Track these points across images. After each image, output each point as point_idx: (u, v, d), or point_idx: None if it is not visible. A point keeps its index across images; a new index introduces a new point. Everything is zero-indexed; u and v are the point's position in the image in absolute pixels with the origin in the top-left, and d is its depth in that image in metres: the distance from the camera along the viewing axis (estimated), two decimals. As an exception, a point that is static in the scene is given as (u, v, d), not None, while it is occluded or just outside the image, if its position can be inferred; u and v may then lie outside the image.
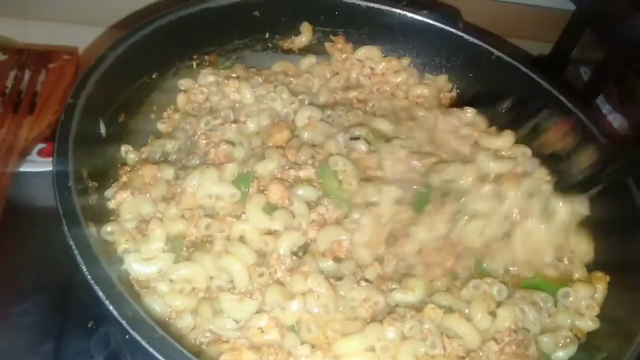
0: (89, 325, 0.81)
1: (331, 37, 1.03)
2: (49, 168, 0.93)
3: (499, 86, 0.98)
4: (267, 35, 1.00)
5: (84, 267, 0.52)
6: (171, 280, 0.68)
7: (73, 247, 0.53)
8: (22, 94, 1.05)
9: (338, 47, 1.03)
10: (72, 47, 1.15)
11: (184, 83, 0.91)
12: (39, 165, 0.98)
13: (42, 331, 0.82)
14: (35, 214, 0.95)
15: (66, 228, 0.55)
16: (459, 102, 1.02)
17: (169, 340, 0.49)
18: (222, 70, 0.93)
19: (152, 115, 0.88)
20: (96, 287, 0.51)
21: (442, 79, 1.04)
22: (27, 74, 1.07)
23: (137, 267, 0.68)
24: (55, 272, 0.85)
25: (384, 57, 1.04)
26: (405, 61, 1.04)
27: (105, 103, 0.76)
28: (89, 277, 0.51)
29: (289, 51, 1.02)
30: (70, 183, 0.59)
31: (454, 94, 1.04)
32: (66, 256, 0.55)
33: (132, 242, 0.69)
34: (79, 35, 1.18)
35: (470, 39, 0.99)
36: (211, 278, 0.69)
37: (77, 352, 0.80)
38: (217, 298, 0.67)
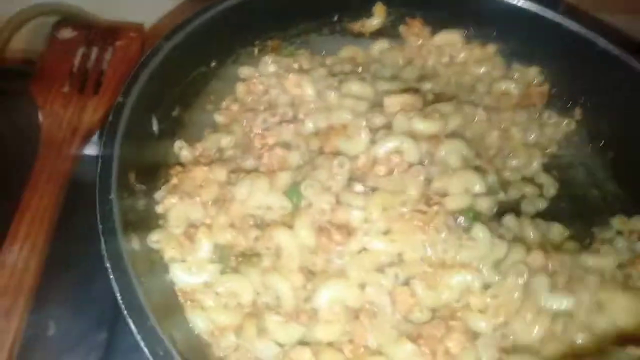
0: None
1: (407, 19, 0.92)
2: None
3: (603, 83, 0.84)
4: (335, 18, 0.91)
5: (118, 294, 0.49)
6: (217, 293, 0.65)
7: (109, 269, 0.50)
8: (89, 72, 1.04)
9: (414, 31, 0.92)
10: (138, 23, 1.12)
11: (244, 71, 0.86)
12: (102, 147, 0.97)
13: (97, 321, 0.83)
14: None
15: (104, 248, 0.52)
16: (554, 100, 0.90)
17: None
18: (285, 58, 0.86)
19: (209, 106, 0.84)
20: (129, 319, 0.48)
21: (533, 71, 0.91)
22: (94, 52, 1.06)
23: (183, 276, 0.65)
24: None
25: (466, 43, 0.92)
26: (491, 49, 0.92)
27: (159, 98, 0.73)
28: (123, 307, 0.48)
29: (359, 35, 0.93)
30: (112, 195, 0.56)
31: (545, 88, 0.91)
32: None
33: (179, 250, 0.66)
34: (147, 9, 1.15)
35: (571, 26, 0.85)
36: (257, 293, 0.65)
37: (127, 345, 0.80)
38: (262, 316, 0.63)
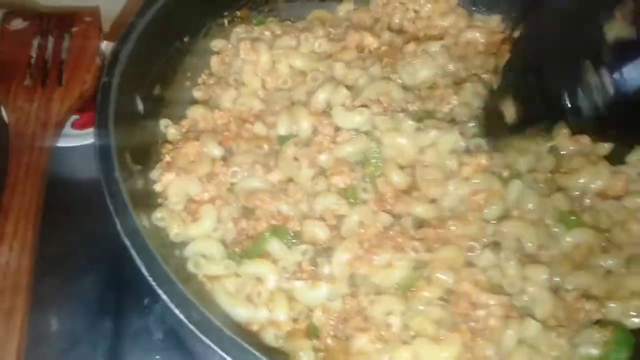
0: (145, 302, 0.81)
1: (369, -21, 0.93)
2: (86, 141, 0.92)
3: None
4: (300, -18, 0.91)
5: (143, 268, 0.49)
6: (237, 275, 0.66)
7: (127, 242, 0.51)
8: (49, 64, 1.00)
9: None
10: (92, 7, 1.08)
11: (216, 44, 0.85)
12: (74, 139, 0.95)
13: (100, 308, 0.82)
14: (78, 188, 0.93)
15: (119, 223, 0.52)
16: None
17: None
18: (255, 27, 0.86)
19: (187, 83, 0.83)
20: (159, 290, 0.48)
21: (495, 20, 0.94)
22: (50, 41, 1.02)
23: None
24: (106, 247, 0.84)
25: (427, -3, 0.94)
26: (453, 1, 0.95)
27: (140, 76, 0.72)
28: (151, 279, 0.49)
29: (325, -2, 0.94)
30: (116, 174, 0.56)
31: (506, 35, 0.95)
32: (114, 231, 0.54)
33: (184, 227, 0.67)
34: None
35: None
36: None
37: (136, 328, 0.80)
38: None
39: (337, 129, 0.72)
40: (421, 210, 0.68)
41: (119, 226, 0.52)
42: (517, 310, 0.64)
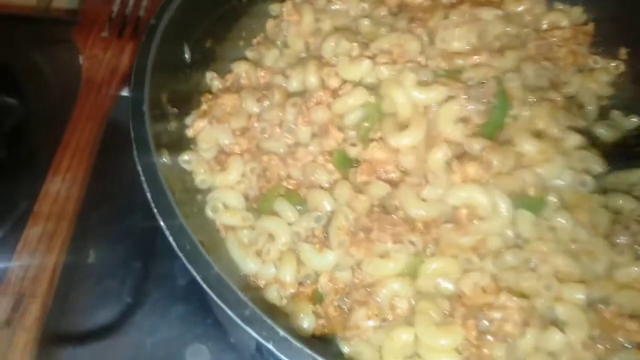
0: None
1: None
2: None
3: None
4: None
5: (149, 194, 0.51)
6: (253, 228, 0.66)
7: (141, 174, 0.52)
8: (127, 19, 1.06)
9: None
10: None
11: (274, 8, 0.86)
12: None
13: (134, 249, 0.86)
14: (134, 137, 0.98)
15: (136, 154, 0.54)
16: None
17: (224, 279, 0.47)
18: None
19: (241, 42, 0.84)
20: (159, 217, 0.50)
21: (577, 11, 0.86)
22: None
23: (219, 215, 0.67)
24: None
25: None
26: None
27: (191, 27, 0.74)
28: (153, 205, 0.50)
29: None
30: (144, 107, 0.58)
31: (589, 28, 0.86)
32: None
33: (209, 174, 0.68)
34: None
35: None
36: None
37: (162, 273, 0.83)
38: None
39: (343, 82, 0.69)
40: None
41: (135, 154, 0.54)
42: (540, 319, 0.58)
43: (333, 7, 0.78)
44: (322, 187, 0.67)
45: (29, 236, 0.80)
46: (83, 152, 0.88)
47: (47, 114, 0.95)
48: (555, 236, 0.62)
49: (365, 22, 0.75)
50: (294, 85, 0.73)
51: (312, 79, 0.71)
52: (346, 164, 0.67)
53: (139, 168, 0.53)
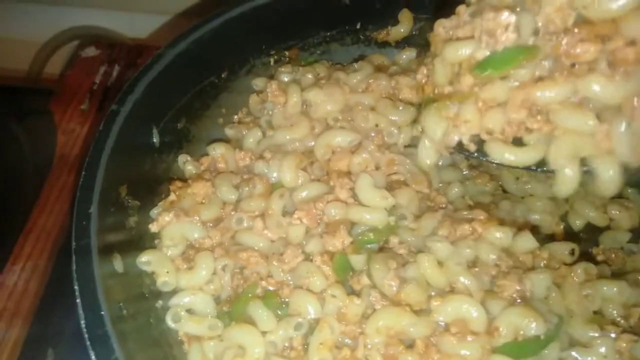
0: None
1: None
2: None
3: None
4: (358, 26, 0.84)
5: (82, 321, 0.42)
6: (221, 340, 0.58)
7: (77, 291, 0.44)
8: (109, 90, 1.02)
9: (444, 38, 0.84)
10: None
11: (257, 83, 0.80)
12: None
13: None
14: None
15: (74, 268, 0.46)
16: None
17: None
18: (300, 68, 0.80)
19: (220, 120, 0.78)
20: (90, 350, 0.41)
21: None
22: (115, 70, 1.05)
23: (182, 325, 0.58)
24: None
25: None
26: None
27: (161, 108, 0.68)
28: (86, 335, 0.42)
29: (383, 44, 0.86)
30: (92, 209, 0.51)
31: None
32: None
33: (174, 275, 0.60)
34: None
35: None
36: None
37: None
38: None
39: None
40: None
41: (74, 267, 0.46)
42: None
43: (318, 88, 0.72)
44: (308, 289, 0.58)
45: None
46: (48, 237, 0.81)
47: (15, 192, 0.89)
48: None
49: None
50: (274, 175, 0.66)
51: (288, 176, 0.64)
52: (346, 270, 0.59)
53: (76, 287, 0.45)
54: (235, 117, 0.79)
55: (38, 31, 1.26)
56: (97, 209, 0.51)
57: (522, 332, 0.53)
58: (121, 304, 0.49)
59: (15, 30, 1.28)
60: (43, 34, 1.26)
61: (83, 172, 0.54)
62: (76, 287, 0.45)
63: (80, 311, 0.44)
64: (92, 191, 0.52)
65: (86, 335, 0.43)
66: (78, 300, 0.45)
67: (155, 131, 0.67)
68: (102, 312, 0.45)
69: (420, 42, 0.85)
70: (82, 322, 0.44)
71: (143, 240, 0.62)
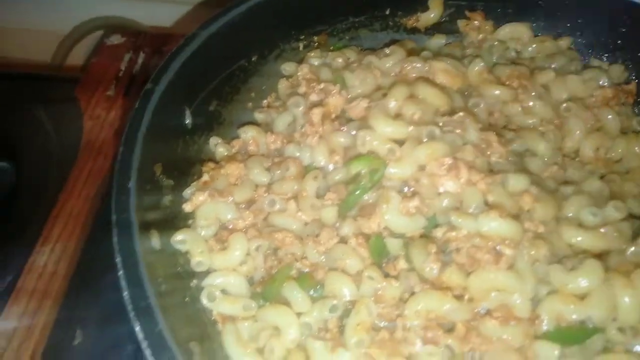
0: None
1: (466, 12, 0.83)
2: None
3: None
4: (387, 12, 0.84)
5: (125, 292, 0.42)
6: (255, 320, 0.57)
7: (119, 267, 0.44)
8: (135, 77, 1.02)
9: (474, 25, 0.83)
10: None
11: (287, 67, 0.79)
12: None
13: (126, 332, 0.77)
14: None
15: (116, 240, 0.46)
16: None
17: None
18: (330, 53, 0.79)
19: (249, 104, 0.78)
20: (135, 321, 0.41)
21: (617, 69, 0.78)
22: (141, 57, 1.05)
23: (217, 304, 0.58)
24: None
25: (536, 36, 0.82)
26: (564, 42, 0.81)
27: (193, 89, 0.68)
28: (129, 304, 0.42)
29: (413, 30, 0.85)
30: (130, 184, 0.50)
31: (632, 87, 0.78)
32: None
33: (208, 255, 0.60)
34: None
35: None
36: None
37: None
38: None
39: None
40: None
41: (115, 240, 0.46)
42: None
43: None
44: (344, 271, 0.58)
45: (9, 315, 0.72)
46: (76, 221, 0.81)
47: (43, 177, 0.89)
48: None
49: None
50: (305, 159, 0.65)
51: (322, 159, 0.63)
52: (382, 253, 0.58)
53: (118, 260, 0.45)
54: (264, 101, 0.79)
55: (60, 22, 1.27)
56: (135, 185, 0.51)
57: (567, 320, 0.52)
58: (159, 280, 0.48)
59: (37, 22, 1.29)
60: (65, 25, 1.26)
61: (121, 148, 0.54)
62: (118, 260, 0.45)
63: (123, 283, 0.44)
64: (130, 167, 0.52)
65: (130, 307, 0.43)
66: (120, 272, 0.44)
67: (187, 112, 0.66)
68: (145, 285, 0.44)
69: (451, 29, 0.84)
70: (125, 293, 0.43)
71: (177, 220, 0.61)
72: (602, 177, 0.67)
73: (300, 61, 0.80)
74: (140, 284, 0.44)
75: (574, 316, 0.52)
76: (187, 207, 0.62)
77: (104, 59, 1.04)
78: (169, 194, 0.61)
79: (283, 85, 0.79)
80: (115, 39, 1.07)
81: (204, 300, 0.57)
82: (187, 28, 1.07)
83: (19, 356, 0.69)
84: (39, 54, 1.29)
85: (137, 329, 0.42)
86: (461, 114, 0.61)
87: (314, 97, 0.71)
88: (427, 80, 0.67)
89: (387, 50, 0.76)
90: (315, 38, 0.83)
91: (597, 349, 0.52)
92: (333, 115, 0.69)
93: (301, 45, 0.82)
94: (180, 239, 0.59)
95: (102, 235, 0.79)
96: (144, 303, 0.43)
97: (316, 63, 0.78)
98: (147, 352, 0.41)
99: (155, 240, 0.53)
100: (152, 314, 0.43)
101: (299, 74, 0.77)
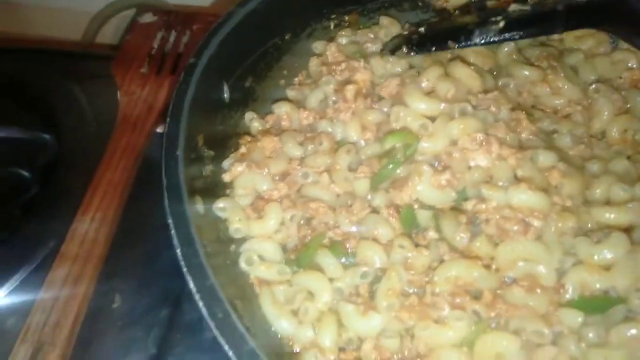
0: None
1: (497, -8, 0.84)
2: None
3: None
4: (417, -10, 0.85)
5: (178, 250, 0.45)
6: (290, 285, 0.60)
7: (171, 227, 0.47)
8: (167, 55, 1.05)
9: (505, 5, 0.84)
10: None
11: (318, 46, 0.82)
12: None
13: (162, 296, 0.81)
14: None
15: (167, 205, 0.49)
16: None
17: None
18: (358, 31, 0.81)
19: (282, 81, 0.80)
20: (188, 276, 0.44)
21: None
22: (172, 36, 1.07)
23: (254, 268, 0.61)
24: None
25: (565, 18, 0.82)
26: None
27: (231, 65, 0.70)
28: (182, 260, 0.45)
29: (442, 10, 0.86)
30: (178, 152, 0.54)
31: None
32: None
33: (246, 222, 0.63)
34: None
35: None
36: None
37: (189, 322, 0.78)
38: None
39: None
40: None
41: (166, 201, 0.49)
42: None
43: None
44: (375, 240, 0.61)
45: (53, 279, 0.76)
46: (115, 191, 0.85)
47: (81, 150, 0.93)
48: None
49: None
50: (339, 132, 0.68)
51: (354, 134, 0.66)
52: (412, 224, 0.61)
53: (170, 221, 0.48)
54: (296, 79, 0.81)
55: (90, 2, 1.29)
56: (182, 154, 0.54)
57: (591, 289, 0.54)
58: (205, 242, 0.51)
59: (67, 1, 1.32)
60: (95, 4, 1.29)
61: (168, 119, 0.57)
62: (170, 221, 0.49)
63: (176, 242, 0.47)
64: (178, 136, 0.55)
65: (182, 263, 0.46)
66: (173, 232, 0.48)
67: (226, 87, 0.69)
68: (196, 244, 0.48)
69: (480, 9, 0.85)
70: (178, 251, 0.47)
71: (217, 189, 0.64)
72: (628, 158, 0.69)
73: (331, 40, 0.82)
74: (192, 243, 0.48)
75: (598, 286, 0.54)
76: (226, 177, 0.65)
77: (137, 37, 1.07)
78: (210, 164, 0.64)
79: (314, 63, 0.81)
80: (148, 17, 1.10)
81: (243, 264, 0.60)
82: (215, 8, 1.10)
83: (63, 317, 0.73)
84: (68, 32, 1.32)
85: (191, 284, 0.45)
86: (495, 92, 0.63)
87: (342, 75, 0.73)
88: (462, 60, 0.68)
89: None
90: (346, 17, 0.84)
91: (619, 317, 0.54)
92: (364, 91, 0.71)
93: (332, 25, 0.84)
94: (221, 206, 0.62)
95: (137, 205, 0.85)
96: (196, 260, 0.47)
97: (344, 42, 0.80)
98: (201, 304, 0.44)
99: (199, 205, 0.57)
100: (203, 270, 0.46)
101: (327, 52, 0.79)
